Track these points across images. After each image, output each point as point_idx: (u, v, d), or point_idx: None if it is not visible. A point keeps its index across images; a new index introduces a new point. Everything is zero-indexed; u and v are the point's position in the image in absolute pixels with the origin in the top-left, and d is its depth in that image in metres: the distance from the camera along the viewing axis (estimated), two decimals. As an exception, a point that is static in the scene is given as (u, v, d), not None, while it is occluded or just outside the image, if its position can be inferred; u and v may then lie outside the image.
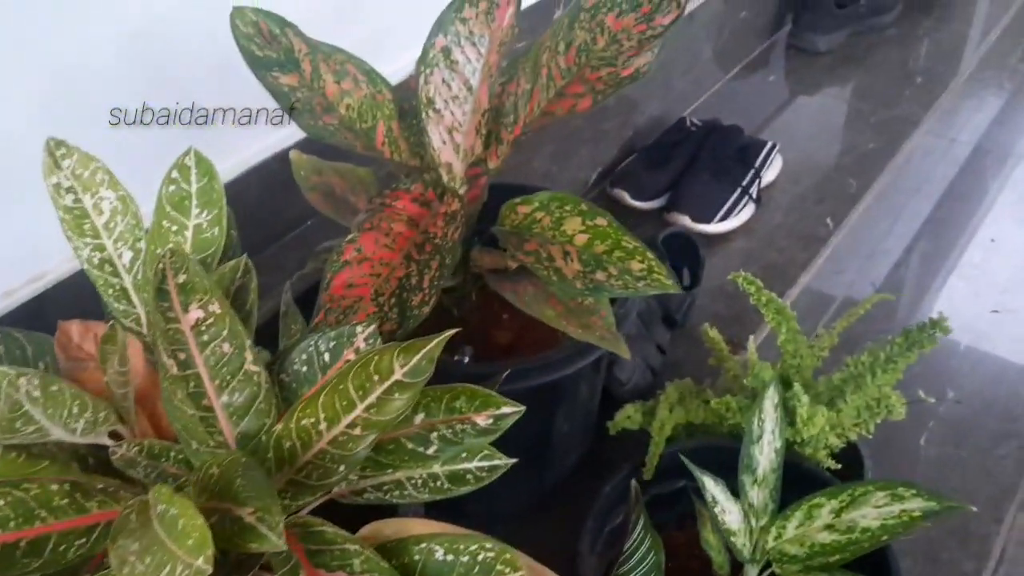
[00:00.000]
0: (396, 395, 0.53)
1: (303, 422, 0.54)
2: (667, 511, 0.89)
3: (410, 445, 0.58)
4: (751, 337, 0.95)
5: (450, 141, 0.78)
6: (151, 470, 0.54)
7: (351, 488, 0.60)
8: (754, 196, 1.38)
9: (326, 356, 0.59)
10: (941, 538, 1.05)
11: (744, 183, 1.37)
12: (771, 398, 0.80)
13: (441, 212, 0.75)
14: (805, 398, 0.86)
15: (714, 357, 0.97)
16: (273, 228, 1.01)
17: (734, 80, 1.73)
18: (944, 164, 1.71)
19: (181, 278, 0.52)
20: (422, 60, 0.78)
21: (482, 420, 0.57)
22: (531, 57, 0.77)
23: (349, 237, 0.68)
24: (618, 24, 0.72)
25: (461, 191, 0.79)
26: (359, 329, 0.59)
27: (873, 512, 0.73)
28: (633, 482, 0.75)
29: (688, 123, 1.45)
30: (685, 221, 1.33)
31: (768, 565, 0.78)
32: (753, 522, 0.78)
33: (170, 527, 0.44)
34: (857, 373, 0.91)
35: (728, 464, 0.80)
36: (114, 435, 0.55)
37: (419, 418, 0.57)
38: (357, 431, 0.53)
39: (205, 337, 0.54)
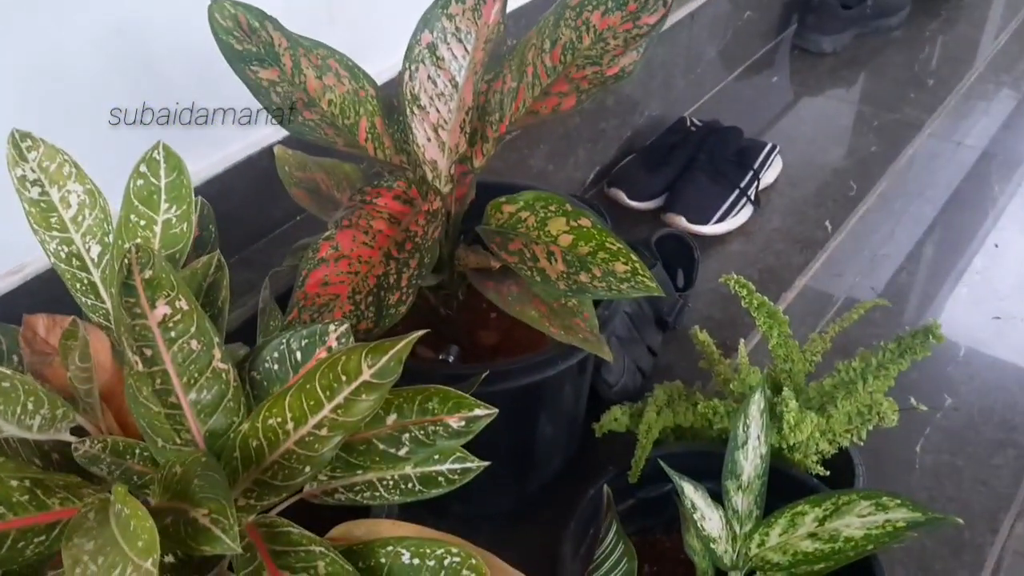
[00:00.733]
0: (364, 396, 0.52)
1: (270, 421, 0.53)
2: (655, 515, 0.88)
3: (382, 446, 0.57)
4: (742, 341, 0.94)
5: (435, 138, 0.77)
6: (115, 467, 0.53)
7: (322, 488, 0.60)
8: (752, 198, 1.36)
9: (298, 354, 0.59)
10: (935, 547, 1.03)
11: (742, 185, 1.35)
12: (757, 403, 0.79)
13: (423, 210, 0.74)
14: (793, 403, 0.85)
15: (704, 360, 0.96)
16: (262, 224, 1.01)
17: (737, 80, 1.72)
18: (950, 168, 1.69)
19: (147, 273, 0.52)
20: (407, 56, 0.77)
21: (454, 422, 0.56)
22: (517, 55, 0.76)
23: (326, 234, 0.67)
24: (604, 23, 0.71)
25: (446, 189, 0.78)
26: (331, 328, 0.59)
27: (857, 521, 0.72)
28: (605, 487, 0.74)
29: (688, 123, 1.44)
30: (682, 222, 1.32)
31: (752, 572, 0.77)
32: (737, 528, 0.77)
33: (124, 528, 0.44)
34: (848, 379, 0.90)
35: (716, 469, 0.79)
36: (80, 431, 0.54)
37: (391, 419, 0.57)
38: (324, 431, 0.53)
39: (172, 334, 0.53)
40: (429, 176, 0.77)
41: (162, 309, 0.53)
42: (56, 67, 0.77)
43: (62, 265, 0.57)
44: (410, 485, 0.59)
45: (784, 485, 0.80)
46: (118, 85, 0.83)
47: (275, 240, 1.00)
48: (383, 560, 0.54)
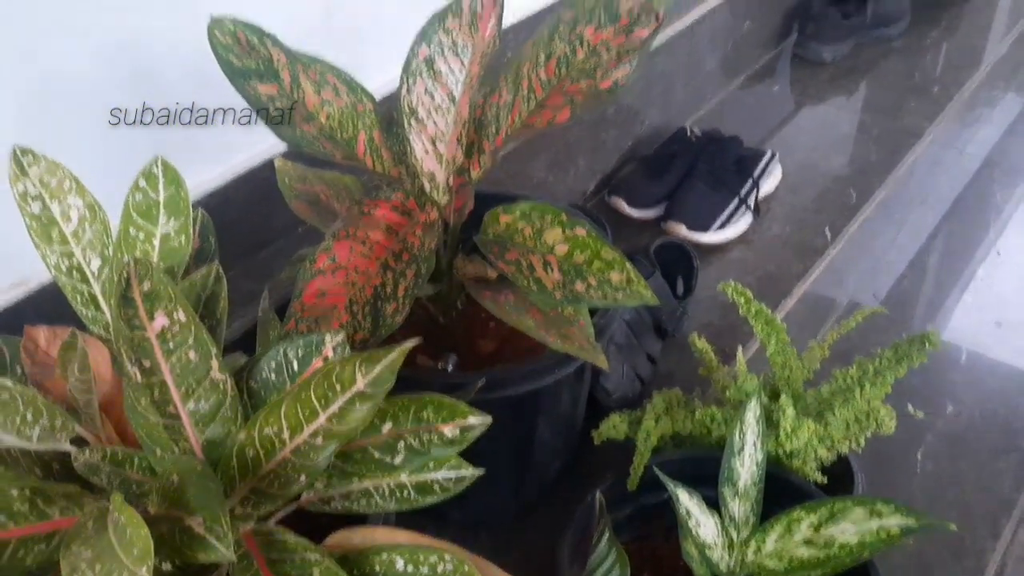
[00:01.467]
0: (358, 405, 0.52)
1: (266, 431, 0.54)
2: (654, 522, 0.88)
3: (377, 454, 0.58)
4: (740, 348, 0.95)
5: (433, 151, 0.78)
6: (114, 477, 0.54)
7: (319, 496, 0.61)
8: (752, 206, 1.37)
9: (295, 364, 0.59)
10: (936, 553, 1.04)
11: (742, 193, 1.36)
12: (753, 410, 0.79)
13: (421, 221, 0.75)
14: (790, 410, 0.86)
15: (703, 368, 0.97)
16: (263, 234, 1.02)
17: (738, 90, 1.73)
18: (952, 176, 1.70)
19: (146, 286, 0.52)
20: (405, 70, 0.78)
21: (449, 431, 0.56)
22: (513, 68, 0.77)
23: (323, 246, 0.68)
24: (597, 37, 0.72)
25: (443, 200, 0.79)
26: (328, 338, 0.59)
27: (852, 528, 0.72)
28: (598, 493, 0.74)
29: (689, 133, 1.45)
30: (682, 230, 1.32)
31: (749, 579, 0.77)
32: (734, 535, 0.77)
33: (121, 535, 0.44)
34: (846, 386, 0.90)
35: (714, 476, 0.79)
36: (80, 442, 0.55)
37: (387, 427, 0.57)
38: (319, 440, 0.53)
39: (171, 345, 0.54)
40: (427, 188, 0.78)
41: (160, 321, 0.54)
42: (45, 74, 0.78)
43: (63, 278, 0.58)
44: (405, 493, 0.60)
45: (783, 492, 0.81)
46: (118, 86, 0.83)
47: (276, 251, 1.02)
48: (377, 567, 0.55)
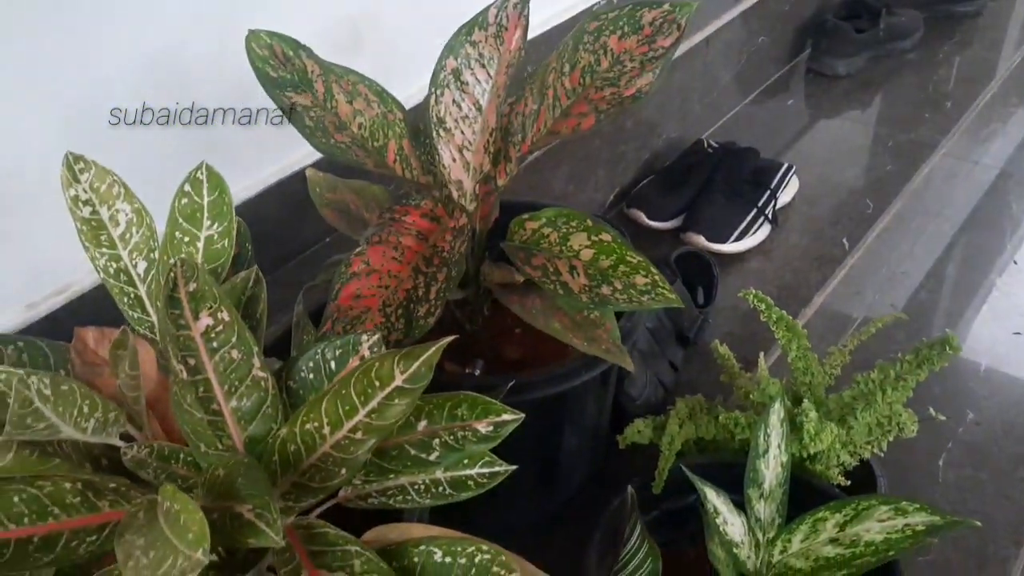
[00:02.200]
0: (396, 400, 0.54)
1: (307, 426, 0.55)
2: (678, 528, 0.89)
3: (413, 451, 0.59)
4: (761, 353, 0.96)
5: (460, 159, 0.80)
6: (161, 471, 0.56)
7: (356, 493, 0.62)
8: (770, 217, 1.38)
9: (332, 364, 0.61)
10: (959, 560, 1.04)
11: (760, 204, 1.37)
12: (776, 412, 0.80)
13: (450, 227, 0.77)
14: (813, 413, 0.87)
15: (725, 374, 0.98)
16: (293, 245, 1.04)
17: (753, 104, 1.75)
18: (967, 187, 1.70)
19: (192, 287, 0.54)
20: (433, 81, 0.80)
21: (483, 427, 0.58)
22: (538, 78, 0.79)
23: (358, 250, 0.70)
24: (621, 46, 0.74)
25: (471, 207, 0.81)
26: (364, 338, 0.61)
27: (877, 526, 0.73)
28: (630, 488, 0.75)
29: (705, 145, 1.47)
30: (700, 241, 1.34)
31: (775, 580, 0.78)
32: (760, 536, 0.78)
33: (173, 523, 0.46)
34: (867, 390, 0.91)
35: (738, 480, 0.80)
36: (127, 438, 0.57)
37: (422, 425, 0.59)
38: (359, 435, 0.55)
39: (215, 344, 0.56)
40: (455, 195, 0.80)
41: (205, 320, 0.55)
42: (79, 86, 0.80)
43: (111, 280, 0.60)
44: (441, 489, 0.61)
45: (807, 496, 0.82)
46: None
47: (305, 261, 1.03)
48: (416, 559, 0.56)
